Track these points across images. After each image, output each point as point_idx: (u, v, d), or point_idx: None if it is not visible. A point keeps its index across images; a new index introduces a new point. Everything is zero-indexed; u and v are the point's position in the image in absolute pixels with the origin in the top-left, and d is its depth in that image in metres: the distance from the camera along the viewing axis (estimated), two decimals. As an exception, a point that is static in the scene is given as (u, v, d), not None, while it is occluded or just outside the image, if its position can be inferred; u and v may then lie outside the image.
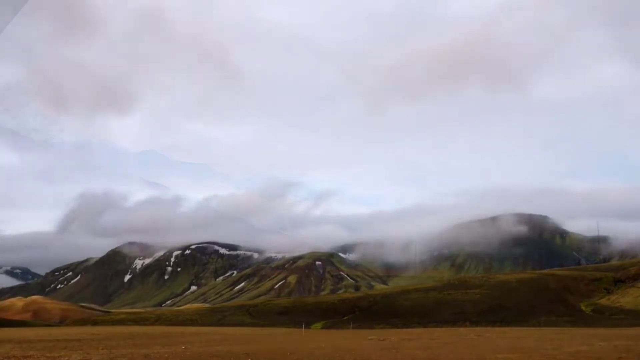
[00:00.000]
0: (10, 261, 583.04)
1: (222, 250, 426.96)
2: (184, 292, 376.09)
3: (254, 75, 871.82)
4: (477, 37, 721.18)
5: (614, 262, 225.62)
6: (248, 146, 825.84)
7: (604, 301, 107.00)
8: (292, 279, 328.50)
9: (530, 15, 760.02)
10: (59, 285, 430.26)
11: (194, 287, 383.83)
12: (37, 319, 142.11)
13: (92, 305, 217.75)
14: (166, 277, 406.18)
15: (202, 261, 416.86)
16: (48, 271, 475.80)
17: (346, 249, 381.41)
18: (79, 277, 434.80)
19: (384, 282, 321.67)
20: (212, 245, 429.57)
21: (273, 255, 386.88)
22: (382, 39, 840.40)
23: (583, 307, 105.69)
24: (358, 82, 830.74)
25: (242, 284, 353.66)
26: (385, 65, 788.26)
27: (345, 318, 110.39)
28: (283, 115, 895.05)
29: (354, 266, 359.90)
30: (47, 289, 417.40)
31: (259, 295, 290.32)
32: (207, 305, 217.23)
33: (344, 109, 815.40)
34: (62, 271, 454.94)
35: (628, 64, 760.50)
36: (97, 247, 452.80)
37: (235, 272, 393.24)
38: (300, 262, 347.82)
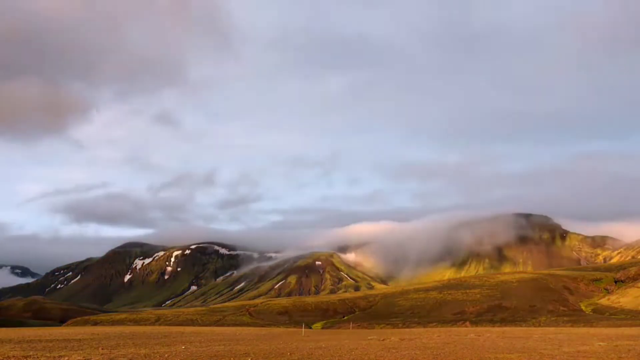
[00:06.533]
0: (10, 261, 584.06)
1: (222, 250, 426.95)
2: (184, 292, 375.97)
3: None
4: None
5: (614, 262, 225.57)
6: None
7: (604, 301, 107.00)
8: (292, 279, 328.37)
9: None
10: (59, 285, 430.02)
11: (194, 287, 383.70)
12: (37, 319, 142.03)
13: (92, 305, 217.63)
14: (166, 277, 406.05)
15: (202, 261, 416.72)
16: (48, 271, 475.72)
17: (346, 249, 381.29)
18: (79, 277, 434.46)
19: (384, 282, 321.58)
20: (212, 245, 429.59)
21: (273, 255, 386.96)
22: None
23: (583, 307, 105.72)
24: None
25: (242, 284, 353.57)
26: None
27: (345, 318, 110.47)
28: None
29: (354, 266, 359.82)
30: (47, 289, 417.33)
31: (259, 296, 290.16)
32: (206, 305, 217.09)
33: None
34: (62, 271, 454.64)
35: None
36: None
37: (235, 272, 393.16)
38: (300, 262, 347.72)
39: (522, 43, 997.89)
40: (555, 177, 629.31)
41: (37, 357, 28.98)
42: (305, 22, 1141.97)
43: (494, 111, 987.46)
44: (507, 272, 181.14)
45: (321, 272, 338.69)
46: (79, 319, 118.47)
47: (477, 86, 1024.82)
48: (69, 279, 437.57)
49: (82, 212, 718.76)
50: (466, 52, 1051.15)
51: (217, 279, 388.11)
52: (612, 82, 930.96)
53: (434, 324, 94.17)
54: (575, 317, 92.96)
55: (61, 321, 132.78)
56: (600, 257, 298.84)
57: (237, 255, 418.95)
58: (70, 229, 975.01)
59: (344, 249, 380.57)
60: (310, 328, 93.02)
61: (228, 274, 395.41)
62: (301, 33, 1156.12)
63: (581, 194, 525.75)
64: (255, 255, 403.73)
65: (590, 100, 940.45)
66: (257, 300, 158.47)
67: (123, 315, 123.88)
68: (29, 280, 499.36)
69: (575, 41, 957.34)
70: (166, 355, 30.53)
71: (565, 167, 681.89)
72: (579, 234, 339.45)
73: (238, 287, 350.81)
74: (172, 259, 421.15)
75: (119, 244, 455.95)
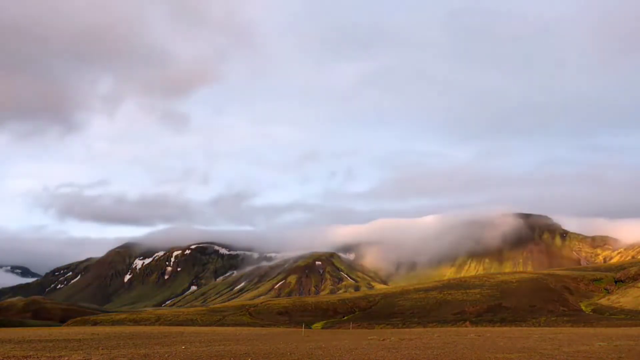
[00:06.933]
0: (10, 261, 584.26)
1: (222, 250, 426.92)
2: (184, 292, 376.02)
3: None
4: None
5: (614, 262, 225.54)
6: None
7: (604, 301, 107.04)
8: (292, 279, 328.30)
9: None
10: (59, 285, 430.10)
11: (194, 287, 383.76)
12: (37, 319, 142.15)
13: (92, 305, 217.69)
14: (166, 277, 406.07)
15: (202, 261, 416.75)
16: (48, 271, 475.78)
17: (346, 249, 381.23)
18: (79, 277, 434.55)
19: (384, 282, 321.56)
20: (212, 245, 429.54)
21: (273, 255, 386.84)
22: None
23: (583, 307, 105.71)
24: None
25: (242, 284, 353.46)
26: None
27: (345, 318, 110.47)
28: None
29: (354, 266, 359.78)
30: (47, 289, 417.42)
31: (259, 296, 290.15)
32: (206, 305, 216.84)
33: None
34: (62, 271, 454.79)
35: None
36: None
37: (235, 272, 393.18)
38: (300, 262, 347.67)
39: (537, 34, 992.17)
40: (555, 176, 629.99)
41: (37, 357, 28.98)
42: (310, 12, 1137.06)
43: (497, 107, 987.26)
44: (507, 272, 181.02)
45: (321, 272, 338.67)
46: (79, 319, 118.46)
47: (482, 81, 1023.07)
48: (69, 279, 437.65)
49: (81, 212, 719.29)
50: (475, 44, 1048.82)
51: (217, 279, 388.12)
52: (616, 80, 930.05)
53: (434, 324, 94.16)
54: (575, 317, 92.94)
55: (61, 321, 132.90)
56: (600, 257, 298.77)
57: (237, 255, 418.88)
58: (70, 229, 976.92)
59: (344, 249, 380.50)
60: (310, 328, 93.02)
61: (228, 274, 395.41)
62: (307, 23, 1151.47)
63: (581, 193, 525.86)
64: (255, 255, 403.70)
65: (594, 98, 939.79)
66: (257, 300, 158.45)
67: (123, 315, 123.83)
68: (29, 280, 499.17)
69: (592, 33, 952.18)
70: (166, 355, 30.53)
71: (565, 167, 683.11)
72: (579, 234, 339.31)
73: (238, 287, 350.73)
74: (172, 259, 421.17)
75: (119, 244, 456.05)
